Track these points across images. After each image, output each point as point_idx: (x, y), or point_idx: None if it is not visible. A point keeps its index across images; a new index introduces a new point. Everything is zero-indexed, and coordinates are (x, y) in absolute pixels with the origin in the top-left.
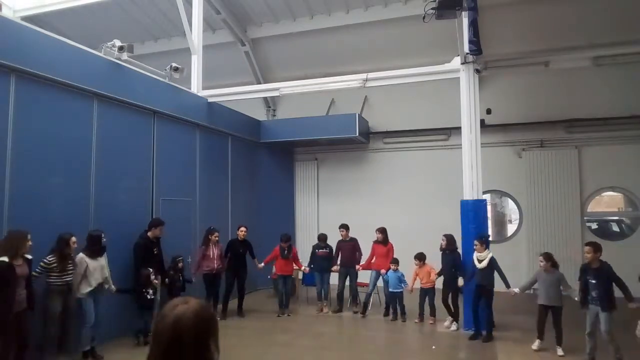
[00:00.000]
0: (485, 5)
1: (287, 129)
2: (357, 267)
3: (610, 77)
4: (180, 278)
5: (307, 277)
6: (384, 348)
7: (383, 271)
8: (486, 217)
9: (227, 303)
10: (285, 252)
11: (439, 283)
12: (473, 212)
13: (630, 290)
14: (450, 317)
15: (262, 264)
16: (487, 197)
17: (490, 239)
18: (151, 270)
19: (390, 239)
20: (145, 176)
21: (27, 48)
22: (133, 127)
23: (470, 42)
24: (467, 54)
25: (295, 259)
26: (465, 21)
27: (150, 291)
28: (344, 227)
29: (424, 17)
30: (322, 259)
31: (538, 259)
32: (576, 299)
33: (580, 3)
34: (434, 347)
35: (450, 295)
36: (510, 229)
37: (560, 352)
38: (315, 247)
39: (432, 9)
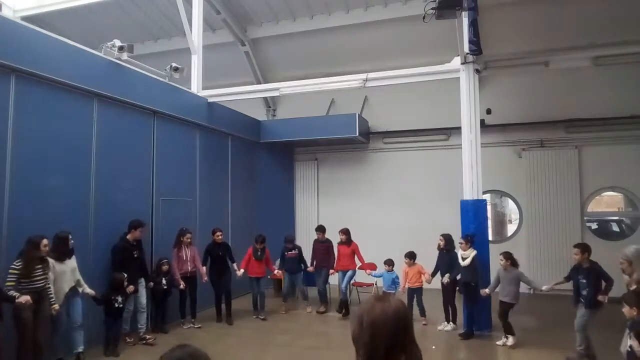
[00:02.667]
0: (485, 5)
1: (287, 129)
2: (331, 271)
3: (610, 77)
4: (163, 281)
5: (306, 278)
6: None
7: (369, 271)
8: (486, 217)
9: (220, 308)
10: (259, 253)
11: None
12: (473, 212)
13: (610, 289)
14: (445, 321)
15: (241, 271)
16: (487, 197)
17: (489, 238)
18: (125, 275)
19: (390, 239)
20: (145, 176)
21: (27, 48)
22: (133, 127)
23: (470, 42)
24: (467, 54)
25: (268, 261)
26: (465, 21)
27: (119, 299)
28: (320, 229)
29: (424, 17)
30: (291, 260)
31: (499, 257)
32: (543, 288)
33: (580, 3)
34: (433, 347)
35: (447, 296)
36: (510, 229)
37: (510, 341)
38: (284, 250)
39: (432, 9)
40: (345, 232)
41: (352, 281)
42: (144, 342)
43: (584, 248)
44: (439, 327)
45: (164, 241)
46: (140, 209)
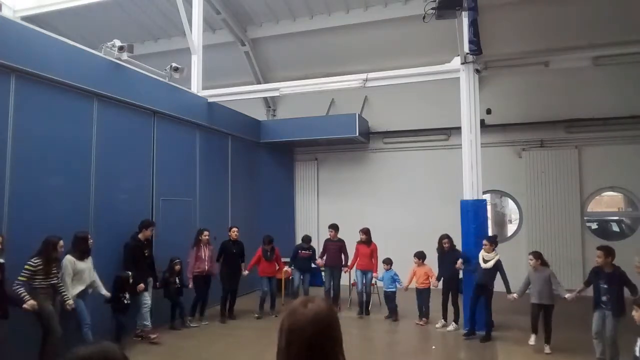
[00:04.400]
0: (485, 5)
1: (287, 129)
2: (344, 269)
3: (610, 77)
4: (177, 280)
5: (311, 278)
6: (384, 348)
7: (376, 275)
8: (486, 217)
9: (225, 306)
10: (268, 254)
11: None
12: (473, 212)
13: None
14: (442, 319)
15: (246, 272)
16: (487, 197)
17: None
18: (130, 273)
19: (390, 239)
20: (145, 176)
21: (27, 48)
22: (133, 127)
23: (470, 42)
24: (467, 54)
25: (278, 260)
26: (465, 21)
27: (127, 295)
28: (334, 227)
29: (424, 17)
30: (304, 259)
31: (528, 257)
32: (566, 296)
33: (580, 3)
34: (434, 347)
35: (450, 296)
36: (511, 229)
37: (547, 349)
38: (298, 248)
39: (432, 9)
40: (366, 231)
41: (372, 282)
42: (141, 339)
43: (608, 251)
44: (437, 326)
45: (164, 241)
46: (140, 209)
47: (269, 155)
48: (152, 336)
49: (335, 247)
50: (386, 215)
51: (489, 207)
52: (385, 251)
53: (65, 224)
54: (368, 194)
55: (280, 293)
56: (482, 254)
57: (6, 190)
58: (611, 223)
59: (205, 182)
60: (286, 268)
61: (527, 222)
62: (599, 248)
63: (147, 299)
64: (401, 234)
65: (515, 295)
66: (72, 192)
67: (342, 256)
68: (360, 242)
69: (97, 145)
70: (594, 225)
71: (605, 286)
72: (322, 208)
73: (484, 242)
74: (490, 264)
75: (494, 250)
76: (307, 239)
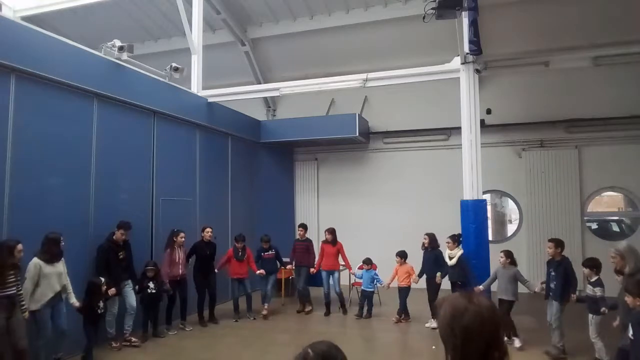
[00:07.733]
0: (485, 5)
1: (287, 129)
2: (312, 269)
3: (610, 77)
4: (151, 286)
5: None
6: (385, 348)
7: (352, 272)
8: (486, 217)
9: (202, 310)
10: (240, 253)
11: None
12: (473, 212)
13: (576, 289)
14: (432, 318)
15: (216, 270)
16: (487, 197)
17: (490, 238)
18: (103, 280)
19: (390, 239)
20: (145, 176)
21: (27, 48)
22: (133, 127)
23: (470, 42)
24: (467, 54)
25: (250, 261)
26: (465, 21)
27: (101, 304)
28: (302, 226)
29: (424, 17)
30: (268, 260)
31: (499, 255)
32: (536, 290)
33: (580, 3)
34: (434, 347)
35: (428, 294)
36: (511, 229)
37: (516, 343)
38: (259, 251)
39: (432, 9)
40: (332, 231)
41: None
42: (129, 343)
43: (558, 243)
44: (426, 325)
45: (163, 241)
46: (140, 209)
47: (269, 155)
48: (114, 344)
49: (303, 246)
50: (386, 215)
51: (489, 207)
52: (385, 251)
53: (65, 224)
54: (368, 193)
55: (280, 293)
56: (447, 252)
57: (6, 191)
58: (611, 223)
59: (205, 182)
60: (259, 271)
61: (527, 222)
62: (550, 240)
63: (132, 301)
64: (401, 234)
65: (481, 287)
66: (72, 192)
67: (310, 256)
68: (325, 242)
69: (97, 145)
70: (594, 225)
71: (553, 274)
72: (322, 208)
73: (447, 239)
74: (453, 261)
75: (457, 247)
76: (264, 239)
